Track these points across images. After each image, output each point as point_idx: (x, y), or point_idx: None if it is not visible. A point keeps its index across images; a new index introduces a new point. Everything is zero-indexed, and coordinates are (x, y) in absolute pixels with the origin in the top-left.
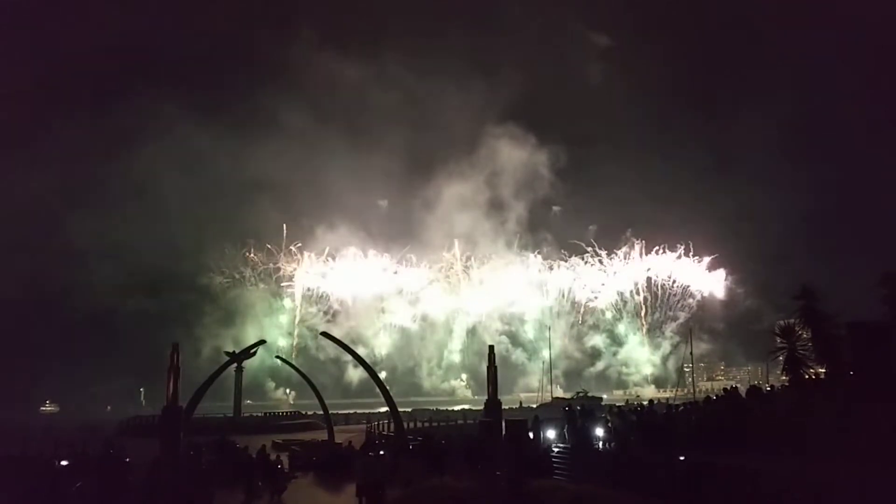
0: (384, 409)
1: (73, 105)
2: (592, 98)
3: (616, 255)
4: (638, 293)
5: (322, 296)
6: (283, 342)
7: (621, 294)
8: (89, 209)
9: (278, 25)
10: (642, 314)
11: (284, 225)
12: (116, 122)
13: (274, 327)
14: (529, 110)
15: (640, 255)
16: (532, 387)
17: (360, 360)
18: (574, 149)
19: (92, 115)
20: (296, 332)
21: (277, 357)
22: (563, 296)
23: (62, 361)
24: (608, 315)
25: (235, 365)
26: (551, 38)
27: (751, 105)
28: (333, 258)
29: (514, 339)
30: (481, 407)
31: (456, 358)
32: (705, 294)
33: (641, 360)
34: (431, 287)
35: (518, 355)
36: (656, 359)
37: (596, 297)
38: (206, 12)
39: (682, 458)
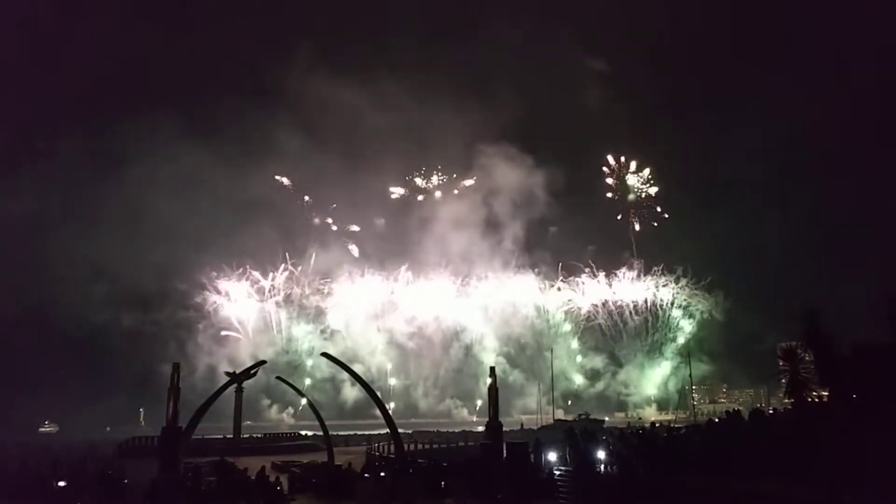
0: (384, 430)
1: (67, 125)
2: (588, 121)
3: (615, 275)
4: (637, 313)
5: (319, 314)
6: (279, 360)
7: (621, 314)
8: (84, 228)
9: (274, 47)
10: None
11: (280, 245)
12: (112, 142)
13: (266, 345)
14: (525, 132)
15: (639, 276)
16: (530, 408)
17: (362, 382)
18: (570, 170)
19: (87, 135)
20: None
21: (278, 378)
22: (563, 316)
23: (57, 381)
24: (607, 335)
25: (235, 385)
26: (548, 62)
27: (748, 127)
28: (330, 277)
29: (512, 360)
30: (482, 429)
31: (454, 378)
32: (704, 315)
33: (646, 381)
34: (428, 307)
35: (516, 376)
36: (657, 380)
37: (595, 318)
38: (202, 34)
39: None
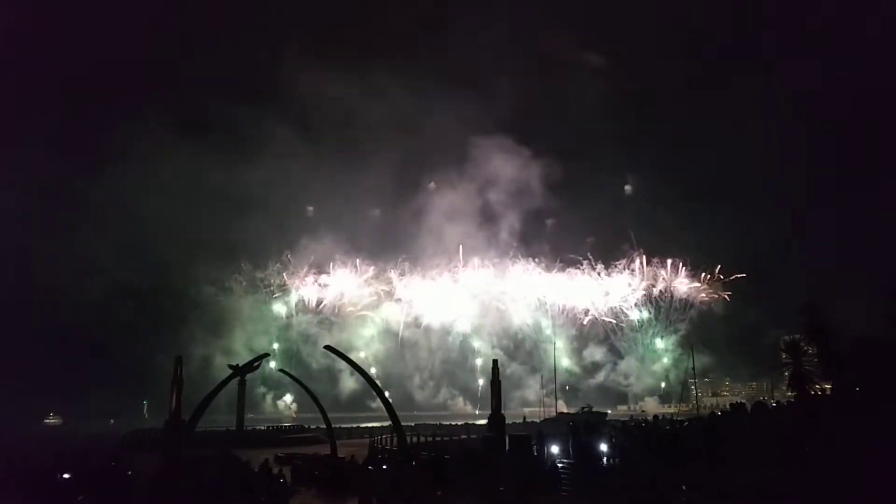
0: (387, 422)
1: (60, 123)
2: (586, 114)
3: (615, 267)
4: (636, 305)
5: (316, 305)
6: (276, 351)
7: (621, 306)
8: (79, 223)
9: (268, 41)
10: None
11: (275, 237)
12: (106, 139)
13: (260, 334)
14: (522, 125)
15: (639, 268)
16: (529, 400)
17: (364, 375)
18: (568, 163)
19: (81, 131)
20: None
21: (281, 370)
22: (562, 308)
23: (57, 373)
24: (608, 327)
25: (238, 378)
26: (547, 52)
27: (751, 120)
28: (326, 269)
29: (510, 353)
30: (484, 421)
31: (450, 369)
32: (704, 308)
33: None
34: (424, 297)
35: (514, 368)
36: (658, 371)
37: (595, 310)
38: (195, 31)
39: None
